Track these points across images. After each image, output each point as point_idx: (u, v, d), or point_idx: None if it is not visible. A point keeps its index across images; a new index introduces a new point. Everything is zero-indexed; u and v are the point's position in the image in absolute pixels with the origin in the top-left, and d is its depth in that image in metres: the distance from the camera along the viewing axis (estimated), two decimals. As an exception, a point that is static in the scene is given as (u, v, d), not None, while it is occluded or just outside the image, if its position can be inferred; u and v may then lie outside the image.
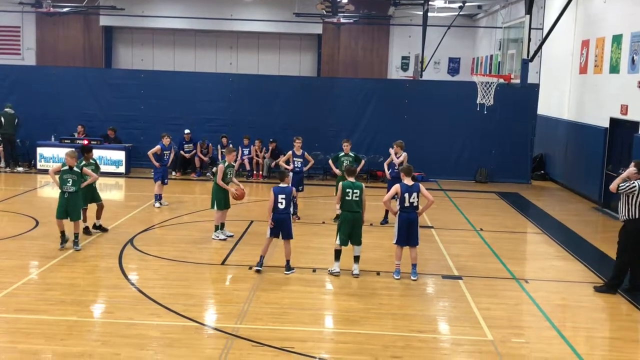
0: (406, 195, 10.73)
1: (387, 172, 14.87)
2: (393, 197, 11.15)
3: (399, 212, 10.87)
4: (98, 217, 13.16)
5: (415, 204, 10.79)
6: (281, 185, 11.05)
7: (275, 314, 9.20)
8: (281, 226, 10.86)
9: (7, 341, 8.07)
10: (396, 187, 10.89)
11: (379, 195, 15.33)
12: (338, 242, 10.91)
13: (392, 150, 14.75)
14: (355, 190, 10.80)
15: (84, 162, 12.49)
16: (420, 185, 10.93)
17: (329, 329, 9.00)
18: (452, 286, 10.69)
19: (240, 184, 13.38)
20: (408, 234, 10.80)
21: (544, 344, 8.59)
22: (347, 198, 10.83)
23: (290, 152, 15.12)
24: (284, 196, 10.86)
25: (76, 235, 11.90)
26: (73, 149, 12.46)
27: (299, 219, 14.81)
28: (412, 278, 10.85)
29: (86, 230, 12.87)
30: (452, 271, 11.46)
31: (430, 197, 10.82)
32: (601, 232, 15.13)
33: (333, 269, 10.94)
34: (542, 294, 10.45)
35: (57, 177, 11.80)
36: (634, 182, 10.16)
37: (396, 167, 14.61)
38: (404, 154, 14.52)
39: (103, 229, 13.20)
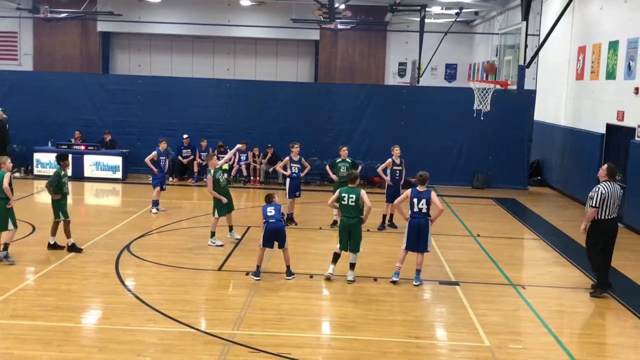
0: (415, 200, 10.79)
1: (388, 177, 14.82)
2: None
3: (409, 218, 10.92)
4: (67, 235, 12.18)
5: (424, 210, 10.79)
6: (268, 204, 11.10)
7: (272, 320, 9.19)
8: (276, 236, 10.85)
9: (3, 347, 8.04)
10: (407, 192, 11.01)
11: (376, 201, 15.37)
12: (338, 246, 10.94)
13: (397, 151, 14.74)
14: (351, 196, 10.80)
15: (63, 172, 12.01)
16: (432, 193, 10.93)
17: (326, 335, 8.99)
18: (449, 292, 10.69)
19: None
20: (418, 240, 10.81)
21: (541, 349, 8.59)
22: (342, 203, 10.85)
23: (287, 158, 15.12)
24: (272, 208, 10.95)
25: (6, 246, 11.40)
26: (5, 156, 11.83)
27: (295, 224, 14.82)
28: (414, 283, 10.84)
29: (55, 246, 12.17)
30: (449, 277, 11.46)
31: (439, 206, 10.77)
32: (598, 238, 15.12)
33: (328, 272, 10.94)
34: (539, 300, 10.46)
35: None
36: (598, 187, 10.52)
37: (397, 174, 14.64)
38: (389, 160, 14.79)
39: (59, 247, 12.20)
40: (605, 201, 10.42)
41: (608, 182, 10.58)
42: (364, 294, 10.40)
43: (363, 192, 10.90)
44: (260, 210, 11.12)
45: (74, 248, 12.10)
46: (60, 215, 12.06)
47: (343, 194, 10.87)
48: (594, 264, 10.79)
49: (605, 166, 10.82)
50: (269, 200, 11.22)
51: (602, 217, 10.48)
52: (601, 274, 10.71)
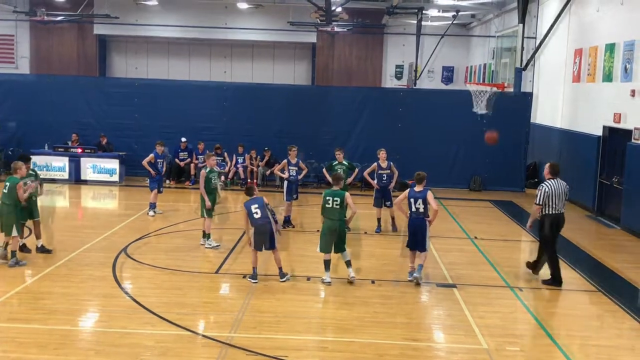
0: (412, 200, 10.92)
1: (374, 181, 14.85)
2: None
3: (409, 217, 11.05)
4: (37, 236, 12.10)
5: (421, 209, 10.85)
6: (250, 199, 10.93)
7: (270, 322, 9.18)
8: (263, 236, 10.78)
9: (0, 351, 8.03)
10: (405, 192, 11.13)
11: (371, 203, 15.37)
12: (318, 249, 10.91)
13: (382, 155, 14.77)
14: (335, 198, 10.80)
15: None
16: (429, 193, 10.96)
17: (323, 337, 8.96)
18: (447, 294, 10.69)
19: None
20: (415, 240, 10.94)
21: (538, 352, 8.59)
22: (327, 206, 10.85)
23: (285, 161, 15.12)
24: (256, 205, 10.80)
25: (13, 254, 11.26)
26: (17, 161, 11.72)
27: (293, 227, 14.81)
28: (415, 274, 10.90)
29: (24, 248, 11.90)
30: (446, 279, 11.45)
31: (434, 206, 10.83)
32: (595, 240, 15.15)
33: (324, 279, 10.93)
34: (537, 302, 10.48)
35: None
36: (542, 186, 11.10)
37: (384, 177, 14.63)
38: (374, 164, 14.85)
39: (46, 250, 12.04)
40: (550, 198, 11.00)
41: (552, 180, 11.13)
42: (361, 297, 10.39)
43: (347, 194, 10.91)
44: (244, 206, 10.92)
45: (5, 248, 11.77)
46: None
47: (327, 197, 10.86)
48: (547, 256, 11.36)
49: (547, 165, 11.44)
50: (250, 192, 11.02)
51: (548, 213, 11.09)
52: (555, 269, 11.25)
